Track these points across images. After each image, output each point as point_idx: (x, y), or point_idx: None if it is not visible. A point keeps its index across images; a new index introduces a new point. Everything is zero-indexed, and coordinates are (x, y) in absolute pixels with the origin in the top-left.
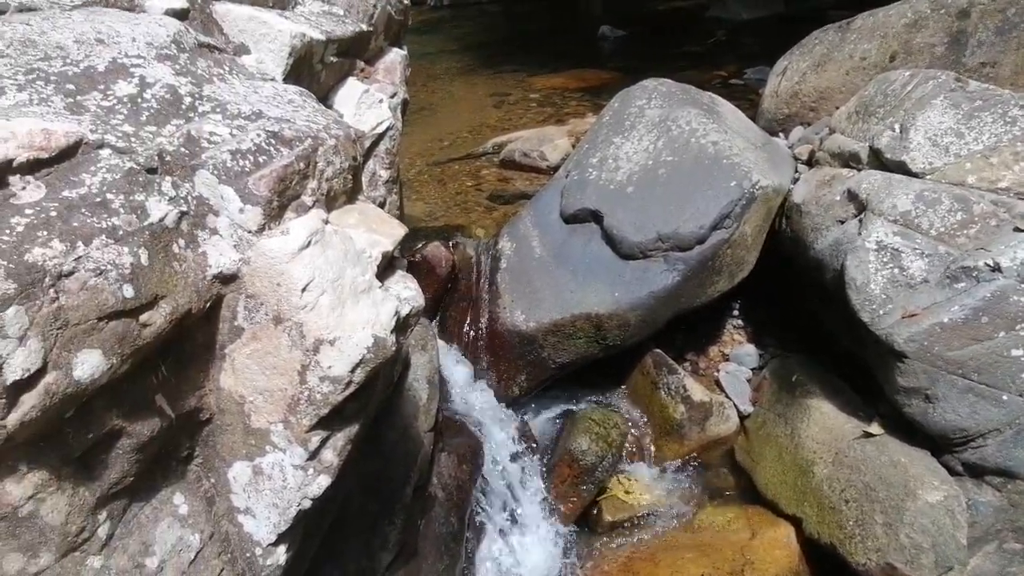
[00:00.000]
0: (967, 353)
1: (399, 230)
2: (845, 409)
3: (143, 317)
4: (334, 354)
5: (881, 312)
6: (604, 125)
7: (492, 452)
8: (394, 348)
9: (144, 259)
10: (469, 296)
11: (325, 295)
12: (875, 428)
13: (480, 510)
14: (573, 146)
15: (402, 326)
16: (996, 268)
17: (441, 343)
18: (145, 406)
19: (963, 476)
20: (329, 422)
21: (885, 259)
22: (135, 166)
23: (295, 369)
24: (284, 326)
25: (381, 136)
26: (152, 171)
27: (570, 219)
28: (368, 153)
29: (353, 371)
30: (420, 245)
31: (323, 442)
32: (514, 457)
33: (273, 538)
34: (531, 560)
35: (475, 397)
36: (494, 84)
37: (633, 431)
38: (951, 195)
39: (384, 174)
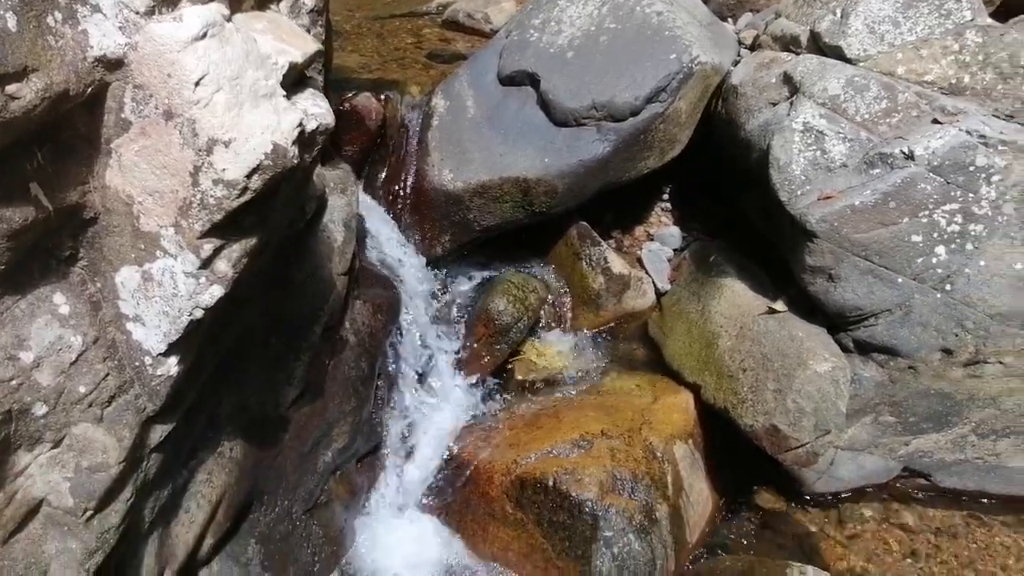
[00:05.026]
0: (872, 236)
1: (311, 45)
2: (755, 289)
3: (10, 88)
4: (229, 156)
5: (799, 192)
6: None
7: (411, 307)
8: (295, 160)
9: (12, 25)
10: (398, 152)
11: (221, 92)
12: (780, 305)
13: (394, 360)
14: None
15: (308, 142)
16: (910, 156)
17: (367, 197)
18: (19, 193)
19: (852, 352)
20: (224, 230)
21: (809, 141)
22: None
23: (187, 170)
24: (175, 122)
25: None
26: None
27: (507, 81)
28: None
29: (249, 176)
30: (350, 95)
31: (216, 251)
32: (432, 313)
33: (163, 348)
34: (441, 412)
35: (397, 253)
36: None
37: (552, 298)
38: (880, 83)
39: (308, 2)
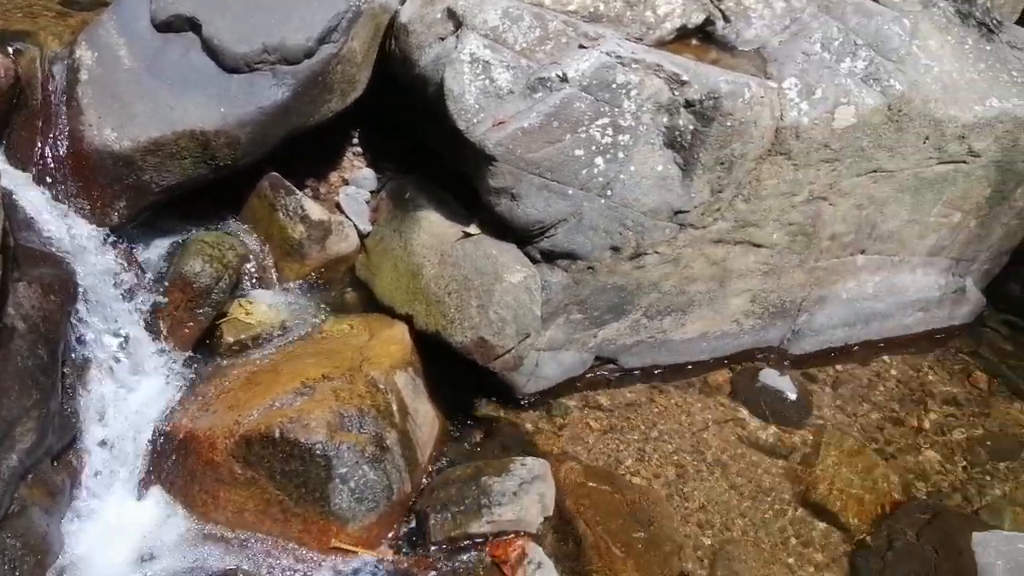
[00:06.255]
0: (542, 155)
1: None
2: (450, 218)
3: None
4: None
5: (475, 121)
6: None
7: (91, 283)
8: None
9: None
10: (44, 113)
11: None
12: (473, 229)
13: (81, 343)
14: None
15: None
16: (564, 79)
17: (12, 167)
18: None
19: (540, 262)
20: None
21: (478, 71)
22: None
23: None
24: None
25: None
26: None
27: (163, 27)
28: None
29: None
30: None
31: None
32: (119, 287)
33: None
34: (146, 389)
35: (63, 225)
36: None
37: (253, 255)
38: (531, 13)
39: None
